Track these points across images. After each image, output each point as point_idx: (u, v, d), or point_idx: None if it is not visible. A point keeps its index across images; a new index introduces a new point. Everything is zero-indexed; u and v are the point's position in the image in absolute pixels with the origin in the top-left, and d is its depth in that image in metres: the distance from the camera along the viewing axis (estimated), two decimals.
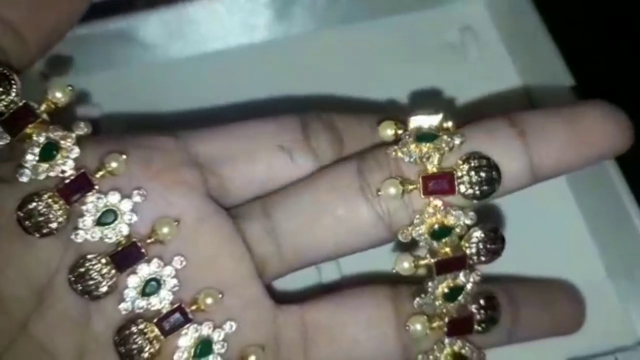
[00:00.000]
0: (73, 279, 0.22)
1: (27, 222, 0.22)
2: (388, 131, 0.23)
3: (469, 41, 0.33)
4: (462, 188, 0.23)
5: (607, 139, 0.23)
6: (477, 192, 0.23)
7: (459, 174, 0.23)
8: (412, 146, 0.23)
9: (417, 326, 0.24)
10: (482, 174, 0.22)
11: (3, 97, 0.22)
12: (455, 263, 0.24)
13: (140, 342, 0.23)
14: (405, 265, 0.23)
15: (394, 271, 0.24)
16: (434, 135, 0.23)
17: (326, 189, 0.24)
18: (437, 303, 0.24)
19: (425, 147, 0.22)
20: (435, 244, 0.23)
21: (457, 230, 0.23)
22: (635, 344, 0.28)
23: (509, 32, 0.33)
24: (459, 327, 0.24)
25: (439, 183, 0.23)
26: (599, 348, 0.28)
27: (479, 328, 0.24)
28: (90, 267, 0.22)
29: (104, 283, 0.22)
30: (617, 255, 0.29)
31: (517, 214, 0.30)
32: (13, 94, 0.22)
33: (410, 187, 0.23)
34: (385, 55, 0.33)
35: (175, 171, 0.24)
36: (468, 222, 0.23)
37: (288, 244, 0.25)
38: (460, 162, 0.23)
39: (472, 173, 0.23)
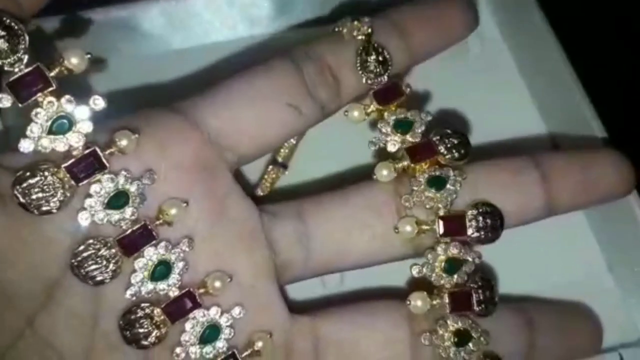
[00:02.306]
0: (75, 263, 0.21)
1: (25, 199, 0.20)
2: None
3: (471, 36, 0.31)
4: (470, 231, 0.24)
5: (613, 186, 0.26)
6: (482, 237, 0.24)
7: (469, 217, 0.24)
8: (425, 194, 0.24)
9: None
10: (488, 220, 0.24)
11: (10, 55, 0.20)
12: (457, 224, 0.24)
13: (146, 326, 0.22)
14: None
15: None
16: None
17: (363, 205, 0.25)
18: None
19: (436, 194, 0.24)
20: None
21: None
22: (638, 340, 0.28)
23: (511, 28, 0.32)
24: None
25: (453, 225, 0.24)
26: (603, 344, 0.27)
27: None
28: (94, 251, 0.21)
29: (107, 268, 0.21)
30: (619, 252, 0.29)
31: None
32: (21, 51, 0.20)
33: (425, 227, 0.24)
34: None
35: (187, 150, 0.23)
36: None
37: (317, 251, 0.24)
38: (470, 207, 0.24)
39: (480, 218, 0.24)
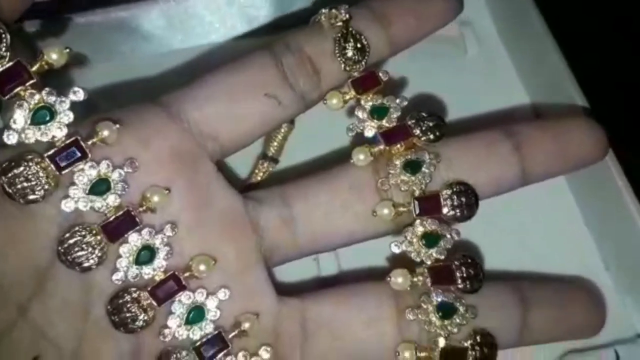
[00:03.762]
0: (62, 251, 0.21)
1: (11, 189, 0.21)
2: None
3: (468, 36, 0.33)
4: (445, 210, 0.24)
5: (587, 153, 0.26)
6: (458, 215, 0.24)
7: (444, 197, 0.24)
8: (401, 178, 0.24)
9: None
10: (463, 199, 0.24)
11: None
12: (432, 204, 0.24)
13: (134, 310, 0.22)
14: (361, 156, 0.25)
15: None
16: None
17: (346, 186, 0.25)
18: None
19: (411, 177, 0.24)
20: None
21: None
22: (634, 337, 0.28)
23: (508, 27, 0.32)
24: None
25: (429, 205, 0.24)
26: (598, 341, 0.27)
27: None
28: (80, 238, 0.21)
29: (93, 254, 0.22)
30: (615, 249, 0.29)
31: (515, 209, 0.29)
32: (3, 49, 0.21)
33: (402, 209, 0.24)
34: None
35: (168, 141, 0.23)
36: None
37: (303, 233, 0.25)
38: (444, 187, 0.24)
39: (455, 197, 0.24)
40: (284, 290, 0.25)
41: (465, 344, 0.24)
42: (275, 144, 0.30)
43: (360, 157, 0.25)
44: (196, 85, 0.25)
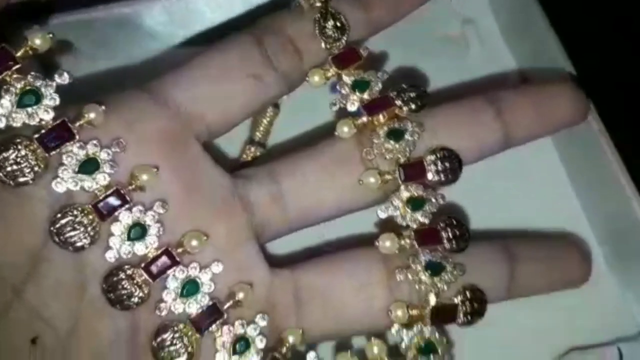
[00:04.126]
0: (55, 231, 0.22)
1: (1, 172, 0.21)
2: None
3: (470, 34, 0.33)
4: (430, 175, 0.25)
5: (567, 116, 0.26)
6: (442, 179, 0.25)
7: (427, 162, 0.25)
8: (385, 146, 0.25)
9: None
10: (447, 164, 0.25)
11: None
12: (417, 170, 0.25)
13: (128, 287, 0.22)
14: (345, 129, 0.25)
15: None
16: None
17: (332, 159, 0.25)
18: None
19: (395, 146, 0.25)
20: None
21: None
22: (637, 334, 0.28)
23: (510, 25, 0.32)
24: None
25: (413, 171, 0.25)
26: (601, 338, 0.28)
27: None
28: (72, 217, 0.22)
29: (86, 233, 0.22)
30: (617, 246, 0.29)
31: (517, 208, 0.30)
32: None
33: (387, 177, 0.25)
34: (386, 47, 0.32)
35: (154, 122, 0.24)
36: None
37: (292, 208, 0.25)
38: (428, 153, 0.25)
39: (439, 162, 0.25)
40: (276, 263, 0.25)
41: (456, 300, 0.24)
42: (262, 128, 0.31)
43: (344, 129, 0.25)
44: (180, 69, 0.25)
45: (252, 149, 0.31)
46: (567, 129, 0.27)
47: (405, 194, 0.25)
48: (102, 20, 0.30)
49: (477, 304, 0.24)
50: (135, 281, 0.23)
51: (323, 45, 0.26)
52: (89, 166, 0.22)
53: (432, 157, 0.25)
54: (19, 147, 0.22)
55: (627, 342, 0.27)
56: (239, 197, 0.25)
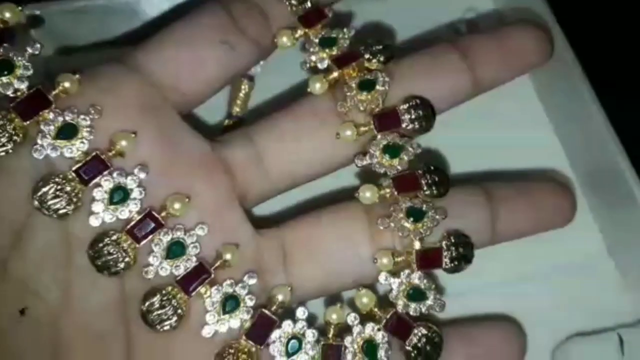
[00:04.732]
0: (37, 199, 0.22)
1: None
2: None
3: (473, 26, 0.32)
4: (404, 123, 0.25)
5: (532, 56, 0.27)
6: (417, 127, 0.25)
7: (401, 111, 0.25)
8: (357, 97, 0.25)
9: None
10: (420, 112, 0.25)
11: None
12: (391, 119, 0.25)
13: (114, 252, 0.22)
14: (317, 85, 0.25)
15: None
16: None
17: (308, 116, 0.26)
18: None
19: (367, 96, 0.25)
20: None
21: None
22: (637, 321, 0.28)
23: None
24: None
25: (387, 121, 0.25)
26: (601, 324, 0.28)
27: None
28: (53, 185, 0.22)
29: (70, 200, 0.22)
30: (619, 234, 0.29)
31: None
32: None
33: (363, 129, 0.25)
34: (388, 39, 0.32)
35: (130, 91, 0.24)
36: None
37: (273, 166, 0.25)
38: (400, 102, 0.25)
39: (412, 110, 0.25)
40: (261, 225, 0.25)
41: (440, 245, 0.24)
42: (239, 102, 0.31)
43: (316, 85, 0.25)
44: (150, 40, 0.25)
45: (232, 122, 0.31)
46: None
47: (381, 142, 0.25)
48: (101, 8, 0.30)
49: (463, 249, 0.24)
50: (120, 246, 0.22)
51: (289, 8, 0.26)
52: (67, 132, 0.22)
53: (405, 106, 0.25)
54: None
55: (628, 328, 0.27)
56: (218, 160, 0.25)
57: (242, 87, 0.31)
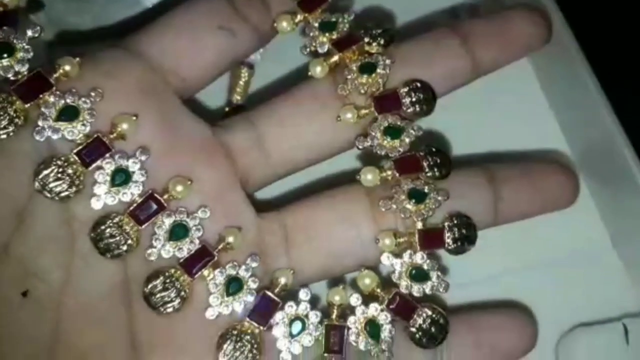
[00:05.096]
0: (39, 182, 0.22)
1: None
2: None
3: (473, 10, 0.32)
4: (405, 106, 0.25)
5: (530, 40, 0.27)
6: (417, 110, 0.25)
7: (402, 94, 0.25)
8: (358, 80, 0.25)
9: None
10: (421, 95, 0.25)
11: None
12: (391, 101, 0.25)
13: (117, 235, 0.22)
14: (318, 69, 0.25)
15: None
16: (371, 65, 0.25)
17: (308, 100, 0.25)
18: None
19: (368, 79, 0.25)
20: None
21: None
22: None
23: (513, 2, 0.30)
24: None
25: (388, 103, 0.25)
26: (606, 314, 0.28)
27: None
28: (55, 167, 0.22)
29: (72, 183, 0.22)
30: (621, 224, 0.28)
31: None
32: None
33: (364, 111, 0.25)
34: (388, 23, 0.30)
35: (130, 75, 0.24)
36: None
37: (274, 150, 0.25)
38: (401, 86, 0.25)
39: (412, 93, 0.25)
40: (263, 209, 0.25)
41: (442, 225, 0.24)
42: (239, 90, 0.31)
43: (317, 69, 0.25)
44: (151, 25, 0.25)
45: (232, 109, 0.31)
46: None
47: (382, 124, 0.25)
48: None
49: (465, 229, 0.24)
50: (123, 229, 0.22)
51: None
52: (68, 114, 0.22)
53: (406, 89, 0.25)
54: None
55: (632, 318, 0.27)
56: (219, 145, 0.25)
57: (242, 74, 0.31)
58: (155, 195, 0.23)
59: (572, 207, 0.28)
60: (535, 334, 0.25)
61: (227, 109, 0.31)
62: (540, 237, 0.29)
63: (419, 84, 0.25)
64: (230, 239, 0.23)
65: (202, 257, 0.23)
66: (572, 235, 0.29)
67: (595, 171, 0.29)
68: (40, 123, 0.22)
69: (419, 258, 0.24)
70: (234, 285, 0.23)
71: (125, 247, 0.22)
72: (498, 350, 0.25)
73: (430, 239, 0.24)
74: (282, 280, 0.24)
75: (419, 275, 0.24)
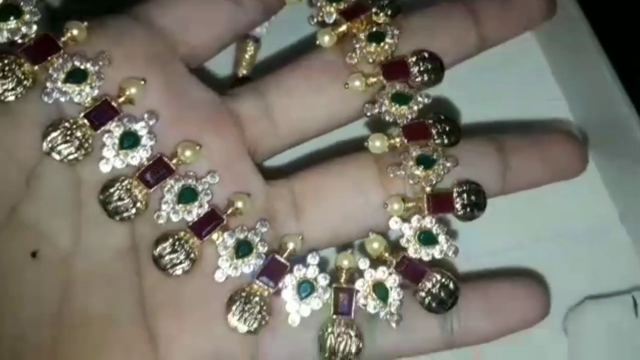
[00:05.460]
0: (48, 144, 0.22)
1: None
2: (326, 38, 0.25)
3: None
4: (412, 76, 0.25)
5: (536, 12, 0.27)
6: (426, 79, 0.25)
7: (410, 63, 0.25)
8: (367, 49, 0.25)
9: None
10: (429, 65, 0.25)
11: None
12: (399, 69, 0.25)
13: (125, 198, 0.22)
14: (326, 38, 0.25)
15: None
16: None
17: (317, 69, 0.25)
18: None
19: (377, 48, 0.25)
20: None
21: None
22: None
23: None
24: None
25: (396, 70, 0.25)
26: (615, 287, 0.27)
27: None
28: (63, 130, 0.22)
29: (80, 146, 0.22)
30: (631, 201, 0.28)
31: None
32: None
33: (372, 79, 0.25)
34: None
35: (138, 42, 0.24)
36: None
37: (283, 121, 0.25)
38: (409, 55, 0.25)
39: (420, 62, 0.25)
40: (271, 176, 0.25)
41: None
42: (244, 64, 0.31)
43: (325, 38, 0.25)
44: None
45: (239, 79, 0.31)
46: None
47: (390, 91, 0.25)
48: None
49: (475, 196, 0.24)
50: (131, 192, 0.22)
51: None
52: (76, 76, 0.22)
53: (414, 58, 0.25)
54: (5, 60, 0.22)
55: None
56: (227, 113, 0.25)
57: (248, 48, 0.31)
58: (164, 159, 0.23)
59: (580, 184, 0.27)
60: (548, 303, 0.25)
61: (232, 82, 0.31)
62: (548, 214, 0.29)
63: (427, 54, 0.25)
64: (239, 204, 0.23)
65: (211, 220, 0.23)
66: (581, 211, 0.29)
67: (603, 147, 0.29)
68: (48, 85, 0.22)
69: (428, 222, 0.24)
70: (243, 249, 0.23)
71: (133, 210, 0.22)
72: (509, 318, 0.24)
73: (439, 202, 0.24)
74: (291, 246, 0.24)
75: (427, 239, 0.24)
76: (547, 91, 0.30)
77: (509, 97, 0.30)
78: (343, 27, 0.25)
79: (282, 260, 0.23)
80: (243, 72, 0.31)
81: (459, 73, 0.26)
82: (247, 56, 0.31)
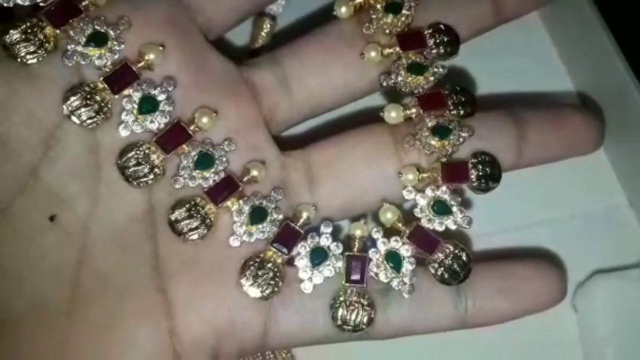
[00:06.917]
0: (68, 107, 0.22)
1: (13, 51, 0.21)
2: (343, 9, 0.25)
3: None
4: (429, 47, 0.25)
5: None
6: (442, 51, 0.25)
7: (427, 36, 0.25)
8: (383, 20, 0.25)
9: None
10: (444, 37, 0.25)
11: None
12: (415, 40, 0.25)
13: (143, 162, 0.22)
14: (343, 9, 0.25)
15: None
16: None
17: (333, 39, 0.25)
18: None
19: (394, 19, 0.25)
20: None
21: None
22: None
23: None
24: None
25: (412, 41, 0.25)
26: (623, 261, 0.27)
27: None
28: (83, 93, 0.22)
29: (99, 110, 0.22)
30: (638, 183, 0.28)
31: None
32: None
33: (388, 50, 0.25)
34: None
35: (158, 8, 0.24)
36: None
37: (300, 90, 0.25)
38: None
39: (436, 35, 0.25)
40: (286, 147, 0.25)
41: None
42: (260, 40, 0.31)
43: (342, 9, 0.25)
44: None
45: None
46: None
47: (405, 61, 0.24)
48: None
49: (490, 168, 0.24)
50: (149, 157, 0.22)
51: None
52: (97, 40, 0.22)
53: (430, 30, 0.25)
54: (28, 23, 0.22)
55: None
56: (244, 82, 0.25)
57: (264, 25, 0.31)
58: (182, 124, 0.23)
59: (588, 167, 0.27)
60: (565, 288, 0.25)
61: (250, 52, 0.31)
62: (556, 196, 0.29)
63: (442, 27, 0.25)
64: (255, 172, 0.23)
65: (227, 187, 0.23)
66: (590, 195, 0.29)
67: (611, 128, 0.29)
68: (69, 47, 0.22)
69: (442, 192, 0.24)
70: (257, 215, 0.23)
71: (151, 176, 0.22)
72: (524, 299, 0.24)
73: (454, 172, 0.24)
74: (305, 215, 0.23)
75: (441, 209, 0.23)
76: (549, 67, 0.30)
77: (511, 78, 0.30)
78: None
79: (296, 227, 0.23)
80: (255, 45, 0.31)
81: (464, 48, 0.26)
82: (263, 33, 0.31)
